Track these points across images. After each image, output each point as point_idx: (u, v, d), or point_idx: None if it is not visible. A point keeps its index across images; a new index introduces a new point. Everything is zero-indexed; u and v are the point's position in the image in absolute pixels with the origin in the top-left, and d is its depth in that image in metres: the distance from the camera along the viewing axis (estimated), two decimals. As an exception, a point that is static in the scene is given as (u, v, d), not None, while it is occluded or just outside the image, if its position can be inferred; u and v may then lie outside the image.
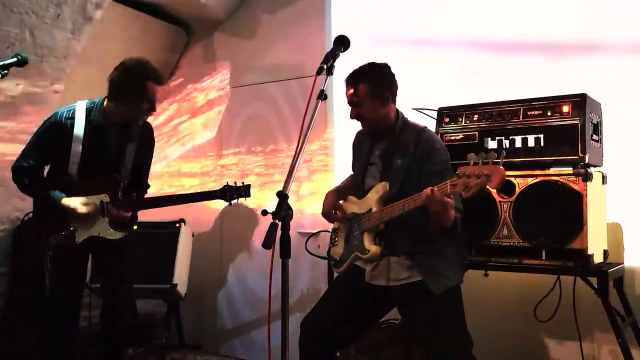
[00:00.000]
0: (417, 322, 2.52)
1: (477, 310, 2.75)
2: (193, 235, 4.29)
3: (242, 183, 3.26)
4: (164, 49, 4.72)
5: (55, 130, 2.99)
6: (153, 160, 3.34)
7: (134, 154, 3.09)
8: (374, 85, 2.57)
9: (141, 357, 4.17)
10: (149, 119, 3.27)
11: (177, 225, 4.13)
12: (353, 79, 2.60)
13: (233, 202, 3.22)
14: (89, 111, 3.01)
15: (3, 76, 2.56)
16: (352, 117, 2.65)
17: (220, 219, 4.58)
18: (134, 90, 2.86)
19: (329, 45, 2.39)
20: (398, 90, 2.66)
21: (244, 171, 4.48)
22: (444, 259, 2.53)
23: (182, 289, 4.01)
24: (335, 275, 2.82)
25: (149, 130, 3.24)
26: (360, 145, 2.84)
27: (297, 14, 4.23)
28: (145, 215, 4.76)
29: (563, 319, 2.94)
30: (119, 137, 3.05)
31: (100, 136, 3.00)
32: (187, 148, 4.82)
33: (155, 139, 3.32)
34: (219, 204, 4.51)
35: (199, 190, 4.36)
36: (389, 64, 2.66)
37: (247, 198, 3.26)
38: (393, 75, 2.64)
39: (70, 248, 2.98)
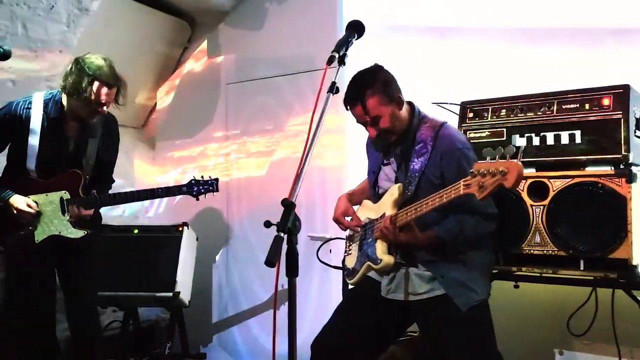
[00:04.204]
0: (442, 341, 2.26)
1: (504, 324, 2.49)
2: (197, 239, 4.05)
3: (210, 177, 3.12)
4: (167, 43, 4.50)
5: (8, 121, 2.90)
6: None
7: (96, 148, 3.00)
8: (382, 92, 2.28)
9: (143, 367, 3.97)
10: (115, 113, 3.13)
11: (180, 229, 3.89)
12: (356, 97, 2.28)
13: (200, 197, 3.09)
14: (46, 103, 2.93)
15: (-16, 70, 2.37)
16: (373, 135, 2.35)
17: (226, 222, 4.34)
18: (80, 89, 2.77)
19: (341, 36, 2.13)
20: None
21: (249, 174, 4.24)
22: (470, 270, 2.28)
23: (185, 296, 3.77)
24: (350, 286, 2.57)
25: (112, 123, 3.13)
26: (373, 145, 2.59)
27: (307, 2, 3.98)
28: (147, 219, 4.61)
29: (600, 333, 2.69)
30: (79, 131, 2.97)
31: (59, 129, 2.93)
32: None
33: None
34: (225, 206, 4.31)
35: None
36: (377, 63, 2.38)
37: (214, 193, 3.12)
38: (389, 72, 2.37)
39: (30, 250, 2.88)
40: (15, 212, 2.83)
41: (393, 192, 2.36)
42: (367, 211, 2.51)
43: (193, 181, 3.09)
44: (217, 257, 4.35)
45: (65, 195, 2.90)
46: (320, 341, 2.39)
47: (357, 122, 2.36)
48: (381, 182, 2.49)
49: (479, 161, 1.95)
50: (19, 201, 2.84)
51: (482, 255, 2.35)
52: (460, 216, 2.23)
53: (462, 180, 1.94)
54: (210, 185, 3.09)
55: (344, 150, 3.79)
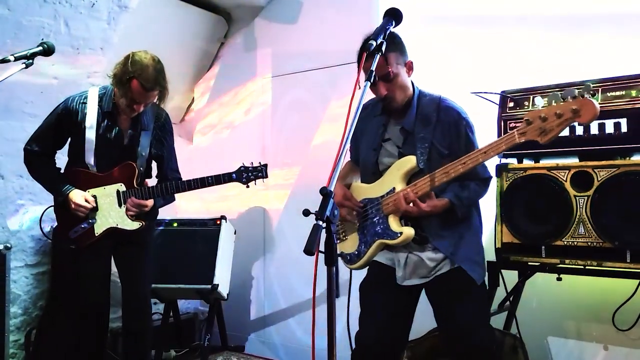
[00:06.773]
0: (456, 312, 2.29)
1: (546, 317, 2.44)
2: (235, 233, 4.09)
3: (259, 163, 3.06)
4: (204, 38, 4.54)
5: (65, 116, 2.96)
6: None
7: (149, 142, 3.03)
8: (401, 51, 2.31)
9: (183, 359, 4.02)
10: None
11: (218, 222, 3.92)
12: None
13: (250, 184, 3.06)
14: (100, 97, 2.97)
15: (28, 66, 2.44)
16: (383, 94, 2.31)
17: (263, 216, 4.37)
18: (121, 82, 2.80)
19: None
20: None
21: (288, 164, 4.25)
22: (473, 240, 2.38)
23: (223, 289, 3.81)
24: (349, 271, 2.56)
25: (164, 118, 3.14)
26: (368, 119, 2.49)
27: (342, -5, 3.95)
28: (186, 213, 4.66)
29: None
30: (132, 124, 3.01)
31: (113, 123, 2.98)
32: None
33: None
34: (262, 200, 4.34)
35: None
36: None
37: (264, 179, 3.07)
38: None
39: (90, 242, 2.93)
40: (73, 206, 2.89)
41: (401, 165, 2.33)
42: (362, 192, 2.46)
43: (242, 168, 3.04)
44: (255, 251, 4.37)
45: (121, 187, 2.94)
46: (364, 337, 2.41)
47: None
48: (382, 158, 2.44)
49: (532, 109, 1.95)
50: (78, 195, 2.90)
51: (479, 220, 2.44)
52: (461, 182, 2.29)
53: (516, 130, 1.99)
54: (260, 172, 3.04)
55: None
